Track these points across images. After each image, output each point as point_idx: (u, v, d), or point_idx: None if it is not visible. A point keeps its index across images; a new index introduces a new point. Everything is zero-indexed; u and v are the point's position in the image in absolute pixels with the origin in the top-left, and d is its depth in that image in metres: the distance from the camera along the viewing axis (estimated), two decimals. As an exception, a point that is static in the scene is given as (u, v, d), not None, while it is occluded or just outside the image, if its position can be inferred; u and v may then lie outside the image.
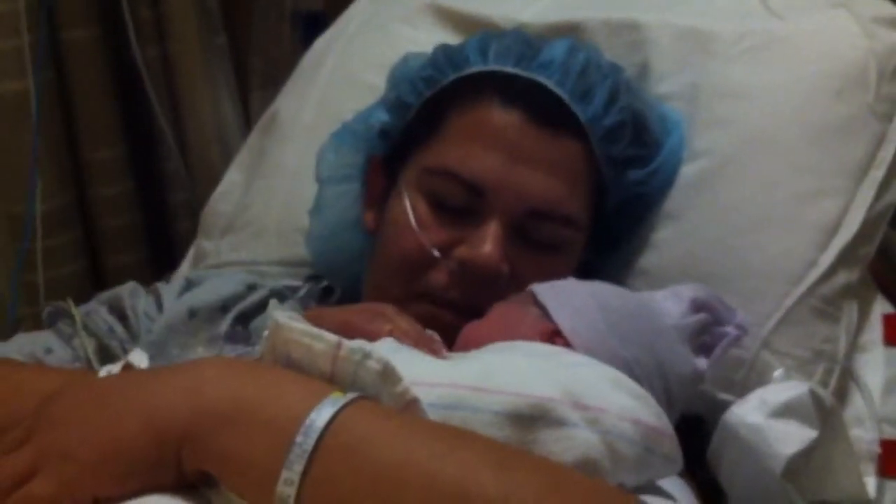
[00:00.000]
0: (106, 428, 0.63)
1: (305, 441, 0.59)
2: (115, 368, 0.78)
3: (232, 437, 0.61)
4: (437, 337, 0.82)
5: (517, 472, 0.60)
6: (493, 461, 0.60)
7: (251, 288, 1.06)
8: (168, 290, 1.05)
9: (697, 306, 0.84)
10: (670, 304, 0.84)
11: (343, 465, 0.59)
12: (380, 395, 0.64)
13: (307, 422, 0.60)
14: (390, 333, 0.77)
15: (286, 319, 0.68)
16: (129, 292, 1.03)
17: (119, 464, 0.62)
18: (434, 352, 0.77)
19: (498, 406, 0.66)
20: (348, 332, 0.74)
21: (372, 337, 0.74)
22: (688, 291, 0.85)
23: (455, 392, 0.66)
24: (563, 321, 0.81)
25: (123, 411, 0.64)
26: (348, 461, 0.59)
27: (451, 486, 0.58)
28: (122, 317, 1.01)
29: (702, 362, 0.83)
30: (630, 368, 0.77)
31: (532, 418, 0.66)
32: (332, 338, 0.66)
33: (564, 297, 0.83)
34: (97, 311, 1.01)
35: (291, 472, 0.59)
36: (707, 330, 0.84)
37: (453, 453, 0.60)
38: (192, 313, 1.01)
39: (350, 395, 0.62)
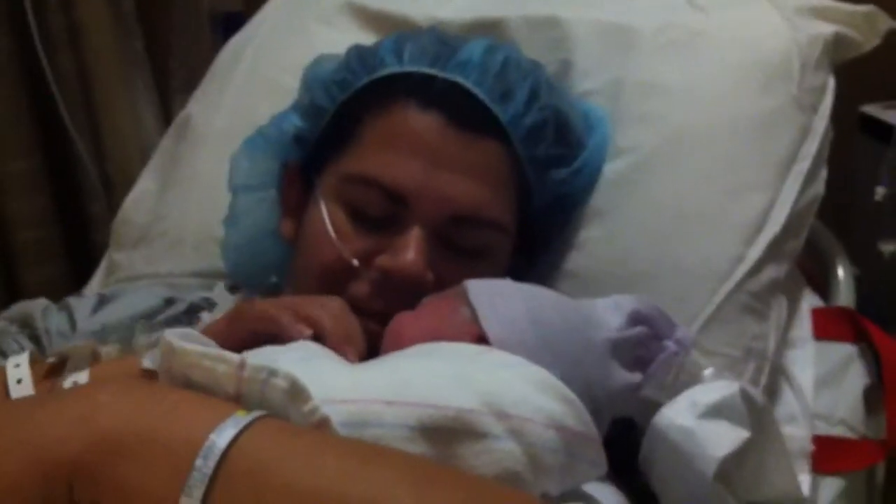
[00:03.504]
0: None
1: (205, 464, 0.55)
2: (23, 359, 0.77)
3: (127, 465, 0.57)
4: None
5: (435, 488, 0.57)
6: (409, 477, 0.57)
7: (169, 302, 1.02)
8: (81, 305, 1.01)
9: (636, 319, 0.81)
10: (609, 315, 0.82)
11: (247, 488, 0.56)
12: (288, 413, 0.61)
13: (207, 443, 0.56)
14: (311, 336, 0.74)
15: (181, 342, 0.64)
16: (42, 311, 0.99)
17: (8, 503, 0.58)
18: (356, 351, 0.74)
19: (413, 421, 0.63)
20: (269, 329, 0.73)
21: (292, 338, 0.72)
22: (628, 303, 0.83)
23: (368, 408, 0.63)
24: (492, 330, 0.79)
25: (6, 447, 0.59)
26: (253, 484, 0.56)
27: None
28: (33, 336, 0.97)
29: (635, 377, 0.81)
30: None
31: (451, 431, 0.64)
32: (233, 357, 0.62)
33: (497, 302, 0.81)
34: (7, 330, 0.97)
35: (191, 499, 0.55)
36: (644, 344, 0.81)
37: (366, 471, 0.57)
38: (105, 332, 0.96)
39: (255, 414, 0.59)
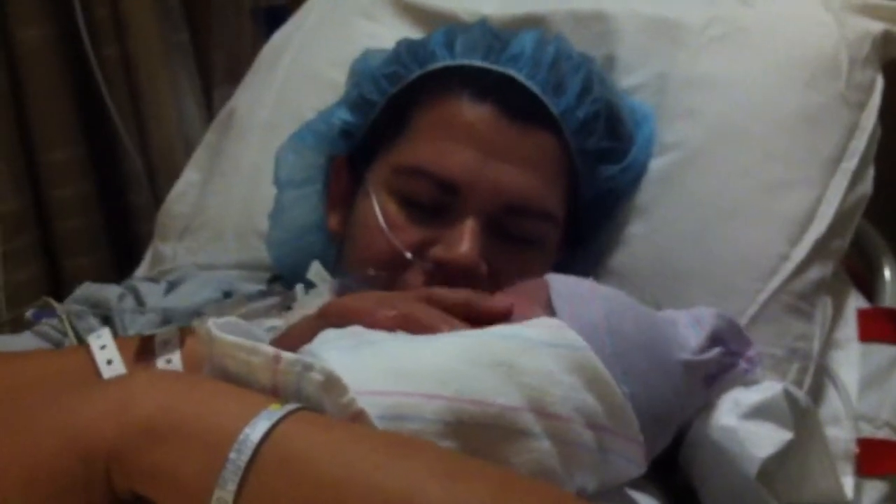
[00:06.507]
0: (28, 450, 0.60)
1: (239, 457, 0.56)
2: (105, 333, 0.77)
3: (162, 453, 0.58)
4: None
5: (466, 481, 0.57)
6: (441, 470, 0.58)
7: (227, 295, 1.02)
8: (151, 291, 1.02)
9: (715, 339, 0.80)
10: (689, 334, 0.80)
11: (280, 481, 0.56)
12: (324, 406, 0.61)
13: (241, 437, 0.56)
14: (395, 320, 0.73)
15: (219, 332, 0.65)
16: (118, 297, 0.99)
17: (46, 486, 0.59)
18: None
19: (452, 416, 0.62)
20: (352, 322, 0.72)
21: (369, 323, 0.72)
22: (708, 321, 0.81)
23: (406, 400, 0.63)
24: None
25: (45, 431, 0.60)
26: (285, 477, 0.56)
27: (394, 500, 0.55)
28: (105, 318, 0.97)
29: (702, 395, 0.79)
30: None
31: (490, 428, 0.63)
32: (268, 350, 0.62)
33: (577, 309, 0.77)
34: (82, 315, 0.97)
35: (224, 491, 0.55)
36: (717, 362, 0.80)
37: (398, 464, 0.57)
38: (167, 321, 0.97)
39: (288, 407, 0.59)
